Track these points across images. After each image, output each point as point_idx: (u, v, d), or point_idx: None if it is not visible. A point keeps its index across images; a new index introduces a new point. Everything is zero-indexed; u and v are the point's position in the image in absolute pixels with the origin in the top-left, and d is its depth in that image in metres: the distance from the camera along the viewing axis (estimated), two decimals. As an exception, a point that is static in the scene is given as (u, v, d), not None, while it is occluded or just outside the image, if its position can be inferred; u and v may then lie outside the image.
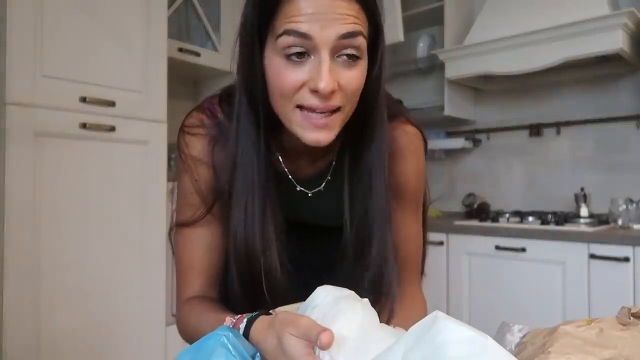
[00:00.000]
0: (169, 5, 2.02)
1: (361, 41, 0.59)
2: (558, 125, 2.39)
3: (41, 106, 1.52)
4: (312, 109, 0.60)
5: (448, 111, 2.49)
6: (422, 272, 0.85)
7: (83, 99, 1.61)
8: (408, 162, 0.76)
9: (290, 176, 0.75)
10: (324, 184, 0.75)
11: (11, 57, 1.45)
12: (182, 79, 2.43)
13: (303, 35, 0.56)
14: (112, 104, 1.68)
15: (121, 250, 1.72)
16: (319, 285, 0.56)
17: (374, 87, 0.66)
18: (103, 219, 1.68)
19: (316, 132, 0.61)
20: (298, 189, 0.75)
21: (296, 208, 0.76)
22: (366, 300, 0.52)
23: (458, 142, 2.62)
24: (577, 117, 2.34)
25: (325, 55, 0.57)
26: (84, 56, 1.62)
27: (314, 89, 0.58)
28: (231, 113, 0.70)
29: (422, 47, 2.74)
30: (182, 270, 0.77)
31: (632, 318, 0.47)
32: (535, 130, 2.45)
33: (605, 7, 1.91)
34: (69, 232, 1.58)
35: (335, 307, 0.49)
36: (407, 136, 0.76)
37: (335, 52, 0.58)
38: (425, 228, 0.84)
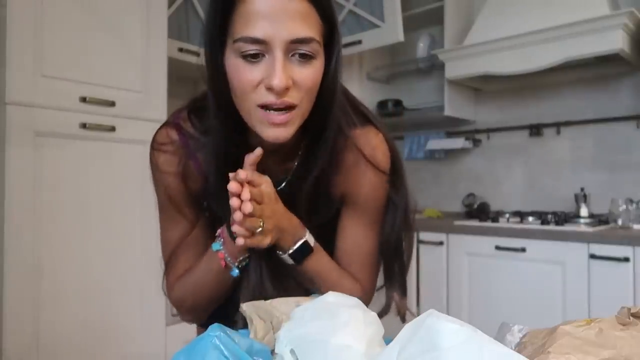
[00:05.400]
0: (169, 5, 2.02)
1: (314, 46, 0.61)
2: (558, 125, 2.39)
3: (41, 106, 1.52)
4: (269, 106, 0.62)
5: (448, 111, 2.49)
6: (403, 289, 0.83)
7: (83, 99, 1.61)
8: (365, 172, 0.77)
9: None
10: (283, 184, 0.76)
11: (11, 57, 1.45)
12: (182, 79, 2.43)
13: (257, 41, 0.59)
14: (112, 104, 1.68)
15: (121, 250, 1.73)
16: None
17: (330, 86, 0.67)
18: (103, 219, 1.68)
19: (275, 129, 0.63)
20: None
21: None
22: (374, 314, 0.52)
23: (458, 142, 2.62)
24: (577, 117, 2.34)
25: (279, 54, 0.60)
26: (84, 56, 1.62)
27: (269, 87, 0.60)
28: (201, 125, 0.73)
29: (422, 47, 2.74)
30: (165, 264, 0.81)
31: (631, 318, 0.47)
32: (535, 130, 2.45)
33: (605, 7, 1.91)
34: (69, 232, 1.58)
35: (340, 317, 0.49)
36: (369, 146, 0.76)
37: (289, 52, 0.61)
38: (411, 234, 0.84)
